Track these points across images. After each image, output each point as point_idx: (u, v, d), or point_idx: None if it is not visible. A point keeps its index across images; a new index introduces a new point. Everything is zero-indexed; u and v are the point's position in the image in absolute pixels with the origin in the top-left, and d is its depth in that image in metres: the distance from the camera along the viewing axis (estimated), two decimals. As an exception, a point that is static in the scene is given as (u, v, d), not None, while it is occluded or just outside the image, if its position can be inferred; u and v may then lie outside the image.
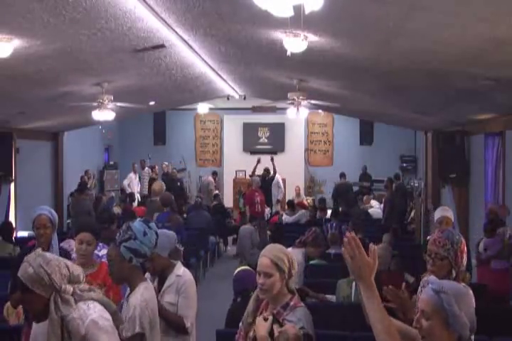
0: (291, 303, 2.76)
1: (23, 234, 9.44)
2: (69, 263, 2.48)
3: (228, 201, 15.80)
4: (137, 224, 2.99)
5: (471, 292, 2.11)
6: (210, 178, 15.56)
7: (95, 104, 7.92)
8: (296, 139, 17.13)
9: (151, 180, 13.94)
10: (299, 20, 3.73)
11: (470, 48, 4.67)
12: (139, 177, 15.05)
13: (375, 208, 13.11)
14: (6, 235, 7.64)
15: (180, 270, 3.58)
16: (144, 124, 17.13)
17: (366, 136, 16.92)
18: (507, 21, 3.85)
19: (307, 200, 15.11)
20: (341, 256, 2.16)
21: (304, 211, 11.97)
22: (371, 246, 2.15)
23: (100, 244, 4.38)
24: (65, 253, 4.25)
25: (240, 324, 2.91)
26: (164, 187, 8.56)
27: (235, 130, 17.36)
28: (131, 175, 14.85)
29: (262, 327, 2.66)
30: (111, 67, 7.04)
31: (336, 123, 17.16)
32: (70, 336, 2.33)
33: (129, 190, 14.24)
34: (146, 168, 15.39)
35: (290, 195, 15.23)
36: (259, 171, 13.06)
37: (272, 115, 16.33)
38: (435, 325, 1.95)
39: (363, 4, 4.02)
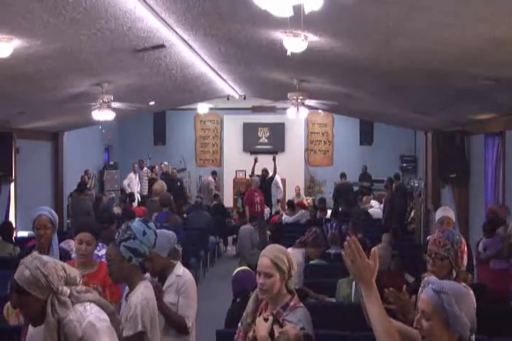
0: (291, 304, 2.76)
1: (23, 234, 9.44)
2: (65, 265, 2.47)
3: (228, 201, 15.81)
4: (136, 224, 3.00)
5: (471, 292, 2.11)
6: (210, 178, 15.56)
7: (95, 104, 7.92)
8: (296, 139, 17.13)
9: (151, 180, 13.95)
10: (299, 20, 3.73)
11: (470, 48, 4.67)
12: (139, 177, 15.06)
13: (375, 208, 13.11)
14: (6, 235, 7.64)
15: (180, 270, 3.58)
16: (144, 124, 17.13)
17: (366, 136, 16.92)
18: (507, 21, 3.85)
19: (307, 200, 15.10)
20: (341, 256, 2.15)
21: (303, 211, 11.97)
22: (373, 249, 2.15)
23: (100, 244, 4.38)
24: (64, 254, 4.26)
25: (239, 324, 2.91)
26: (165, 187, 8.55)
27: (235, 130, 17.36)
28: (131, 175, 14.85)
29: (262, 327, 2.66)
30: (111, 67, 7.04)
31: (336, 123, 17.17)
32: (66, 338, 2.32)
33: (128, 190, 14.24)
34: (145, 168, 15.39)
35: (290, 195, 15.24)
36: (258, 171, 13.06)
37: (272, 115, 16.34)
38: (435, 326, 1.95)
39: (363, 4, 4.01)
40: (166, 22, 5.33)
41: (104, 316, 2.42)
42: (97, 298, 2.47)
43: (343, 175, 14.10)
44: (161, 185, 8.70)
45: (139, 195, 14.36)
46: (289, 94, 8.08)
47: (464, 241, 2.89)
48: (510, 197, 7.47)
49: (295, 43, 4.93)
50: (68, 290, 2.36)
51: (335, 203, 13.59)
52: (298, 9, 3.19)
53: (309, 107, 9.15)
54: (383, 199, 12.15)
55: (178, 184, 14.19)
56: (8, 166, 9.49)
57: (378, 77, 6.59)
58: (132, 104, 8.58)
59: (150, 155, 16.08)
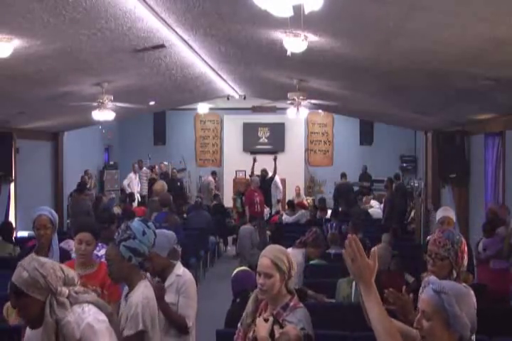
0: (291, 304, 2.76)
1: (23, 234, 9.44)
2: (63, 265, 2.47)
3: (228, 201, 15.80)
4: (136, 224, 3.01)
5: (471, 292, 2.11)
6: (210, 178, 15.56)
7: (95, 104, 7.92)
8: (296, 139, 17.12)
9: (151, 180, 13.95)
10: (299, 20, 3.73)
11: (470, 48, 4.67)
12: (139, 177, 15.06)
13: (375, 208, 13.11)
14: (6, 235, 7.63)
15: (180, 270, 3.58)
16: (144, 124, 17.13)
17: (366, 136, 16.92)
18: (507, 21, 3.84)
19: (307, 200, 15.11)
20: (341, 256, 2.15)
21: (303, 211, 11.97)
22: (372, 249, 2.14)
23: (100, 244, 4.38)
24: (64, 254, 4.26)
25: (239, 324, 2.91)
26: (166, 187, 8.54)
27: (235, 130, 17.35)
28: (131, 175, 14.85)
29: (262, 328, 2.66)
30: (111, 67, 7.04)
31: (336, 123, 17.16)
32: (64, 340, 2.31)
33: (128, 190, 14.24)
34: (145, 168, 15.39)
35: (290, 195, 15.23)
36: (258, 171, 13.05)
37: (272, 115, 16.33)
38: (436, 326, 1.95)
39: (363, 4, 4.01)
40: (166, 22, 5.33)
41: (103, 317, 2.41)
42: (95, 299, 2.46)
43: (343, 175, 14.10)
44: (161, 185, 8.69)
45: (138, 195, 14.36)
46: (288, 94, 8.08)
47: (464, 241, 2.88)
48: (510, 197, 7.47)
49: (295, 43, 4.93)
50: (67, 291, 2.35)
51: (335, 203, 13.59)
52: (298, 9, 3.19)
53: (310, 106, 9.15)
54: (383, 199, 12.15)
55: (178, 184, 14.20)
56: (8, 166, 9.49)
57: (378, 77, 6.59)
58: (132, 104, 8.58)
59: (150, 155, 16.08)
